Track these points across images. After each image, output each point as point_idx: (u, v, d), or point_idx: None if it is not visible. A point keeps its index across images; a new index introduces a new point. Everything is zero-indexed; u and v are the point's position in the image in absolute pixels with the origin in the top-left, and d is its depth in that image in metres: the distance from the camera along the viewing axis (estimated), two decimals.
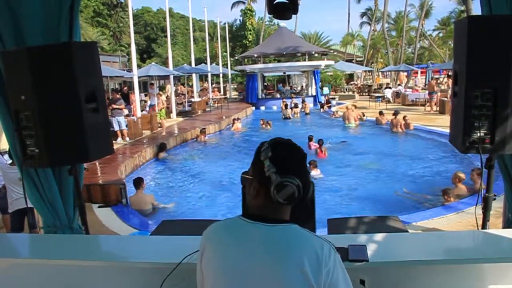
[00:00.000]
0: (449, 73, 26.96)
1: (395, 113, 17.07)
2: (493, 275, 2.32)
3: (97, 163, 10.16)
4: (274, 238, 1.52)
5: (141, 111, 17.94)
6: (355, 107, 21.37)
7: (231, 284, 1.53)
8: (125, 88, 22.14)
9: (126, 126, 14.80)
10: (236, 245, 1.56)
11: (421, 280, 2.33)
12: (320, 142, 12.91)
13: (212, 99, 29.26)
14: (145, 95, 25.71)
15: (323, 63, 30.53)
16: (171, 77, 22.86)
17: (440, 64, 41.66)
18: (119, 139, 14.28)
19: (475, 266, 2.30)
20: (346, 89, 38.93)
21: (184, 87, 28.56)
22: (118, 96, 15.48)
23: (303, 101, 25.93)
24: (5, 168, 5.65)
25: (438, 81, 25.16)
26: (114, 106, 14.34)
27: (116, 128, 14.36)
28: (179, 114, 22.44)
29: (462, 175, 8.16)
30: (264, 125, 19.07)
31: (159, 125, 17.63)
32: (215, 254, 1.59)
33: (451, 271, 2.31)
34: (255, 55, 32.18)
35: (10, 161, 5.45)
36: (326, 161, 12.29)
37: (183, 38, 58.54)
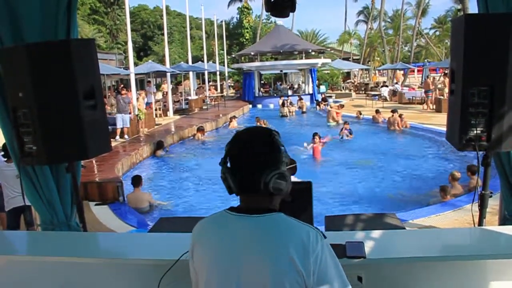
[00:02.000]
0: (445, 72, 27.03)
1: (393, 111, 17.11)
2: (489, 271, 2.34)
3: (94, 161, 10.14)
4: (259, 229, 1.51)
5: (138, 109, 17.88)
6: (342, 106, 21.62)
7: (224, 278, 1.52)
8: (121, 86, 22.03)
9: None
10: (224, 240, 1.55)
11: (418, 277, 2.35)
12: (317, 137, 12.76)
13: (209, 97, 29.25)
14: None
15: (320, 61, 30.54)
16: (168, 75, 22.82)
17: (437, 62, 41.75)
18: (117, 137, 14.22)
19: (471, 263, 2.32)
20: (343, 87, 38.95)
21: (180, 85, 28.51)
22: (124, 93, 15.36)
23: (300, 99, 25.94)
24: (2, 166, 5.63)
25: (435, 80, 25.15)
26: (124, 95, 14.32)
27: (119, 125, 14.29)
28: (175, 112, 22.42)
29: (458, 174, 8.19)
30: (259, 123, 19.01)
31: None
32: (205, 251, 1.59)
33: (448, 268, 2.33)
34: (252, 53, 32.14)
35: (6, 158, 5.45)
36: (323, 160, 12.32)
37: (180, 36, 58.40)
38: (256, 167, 1.53)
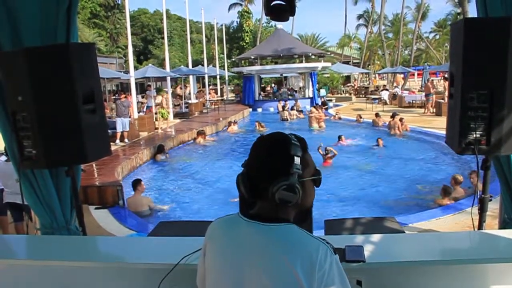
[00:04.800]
0: (445, 76, 27.07)
1: (393, 115, 17.12)
2: (489, 275, 2.33)
3: (94, 165, 10.14)
4: (267, 239, 1.47)
5: (138, 112, 17.92)
6: (324, 106, 21.95)
7: (228, 282, 1.51)
8: (120, 92, 21.92)
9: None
10: (231, 244, 1.54)
11: (418, 281, 2.34)
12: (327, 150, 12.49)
13: (209, 100, 29.28)
14: (142, 97, 25.73)
15: (320, 65, 30.58)
16: (168, 78, 22.86)
17: (437, 66, 41.81)
18: (117, 141, 14.22)
19: (472, 267, 2.31)
20: (343, 91, 39.01)
21: (181, 88, 28.54)
22: (123, 97, 15.37)
23: (295, 101, 25.99)
24: (1, 165, 5.80)
25: (434, 83, 25.24)
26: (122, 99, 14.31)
27: (119, 129, 14.29)
28: (176, 115, 22.44)
29: (460, 178, 8.18)
30: (259, 127, 19.16)
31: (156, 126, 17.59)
32: (214, 252, 1.58)
33: (447, 272, 2.32)
34: (252, 57, 32.22)
35: (6, 158, 5.55)
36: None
37: (180, 39, 58.52)
38: (266, 176, 1.49)
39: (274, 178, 1.46)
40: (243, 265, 1.48)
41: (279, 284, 1.40)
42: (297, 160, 1.48)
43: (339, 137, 14.75)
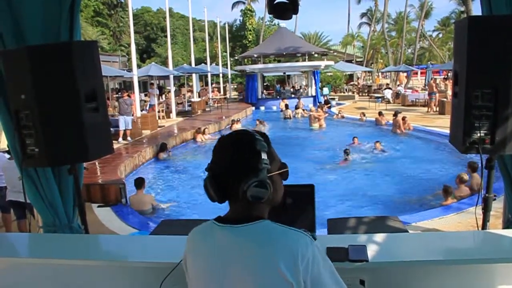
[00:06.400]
0: (445, 76, 27.04)
1: (396, 114, 17.09)
2: (494, 275, 2.32)
3: (96, 163, 10.16)
4: (243, 240, 1.43)
5: (141, 111, 17.93)
6: (327, 104, 22.12)
7: None
8: (124, 91, 21.91)
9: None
10: (209, 253, 1.49)
11: (421, 280, 2.33)
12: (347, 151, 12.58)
13: (212, 99, 29.27)
14: (145, 95, 25.75)
15: (323, 63, 30.57)
16: (171, 77, 22.87)
17: (440, 64, 41.69)
18: (120, 139, 14.24)
19: (475, 267, 2.30)
20: (346, 90, 38.94)
21: (183, 87, 28.55)
22: (126, 96, 15.37)
23: (298, 99, 25.96)
24: (4, 163, 5.88)
25: (437, 82, 25.23)
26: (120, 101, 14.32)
27: (122, 127, 14.30)
28: (178, 114, 22.45)
29: (465, 176, 8.15)
30: (259, 125, 19.17)
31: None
32: (194, 264, 1.55)
33: (451, 272, 2.31)
34: (255, 55, 32.23)
35: (9, 155, 5.61)
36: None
37: (183, 38, 58.51)
38: (234, 175, 1.45)
39: (244, 176, 1.43)
40: (225, 272, 1.43)
41: (265, 283, 1.36)
42: (264, 155, 1.45)
43: (353, 139, 14.59)
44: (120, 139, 14.26)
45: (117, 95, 16.53)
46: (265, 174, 1.44)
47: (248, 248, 1.41)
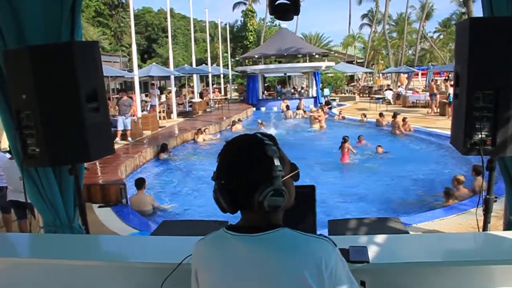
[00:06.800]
0: (448, 76, 27.04)
1: (395, 115, 17.09)
2: (494, 276, 2.32)
3: (97, 163, 10.16)
4: (264, 250, 1.36)
5: (142, 111, 17.93)
6: (327, 105, 22.22)
7: None
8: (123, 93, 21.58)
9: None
10: (225, 264, 1.41)
11: (422, 282, 2.33)
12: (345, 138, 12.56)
13: (213, 99, 29.28)
14: (146, 95, 25.75)
15: (323, 64, 30.57)
16: (172, 77, 22.88)
17: (441, 66, 41.69)
18: (117, 139, 14.23)
19: (476, 268, 2.30)
20: (347, 91, 38.95)
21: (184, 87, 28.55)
22: (125, 97, 15.35)
23: (300, 100, 25.99)
24: (5, 163, 5.87)
25: (438, 83, 25.23)
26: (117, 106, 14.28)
27: (120, 127, 14.29)
28: (179, 114, 22.46)
29: (462, 178, 8.16)
30: (260, 126, 19.29)
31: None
32: (208, 278, 1.47)
33: (452, 273, 2.31)
34: (256, 56, 32.23)
35: (10, 155, 5.62)
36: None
37: (184, 38, 58.53)
38: (247, 185, 1.37)
39: (258, 185, 1.36)
40: (244, 283, 1.38)
41: None
42: (276, 161, 1.38)
43: (359, 137, 14.59)
44: (117, 139, 14.25)
45: (117, 97, 16.43)
46: (280, 181, 1.37)
47: (269, 257, 1.35)
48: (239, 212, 1.47)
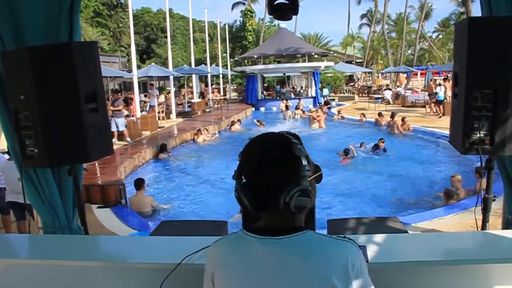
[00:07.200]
0: (447, 76, 27.04)
1: (392, 115, 17.09)
2: (493, 275, 2.32)
3: (96, 164, 10.15)
4: (289, 254, 1.32)
5: (141, 111, 17.93)
6: (326, 105, 22.40)
7: None
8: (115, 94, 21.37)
9: (126, 127, 14.75)
10: (246, 267, 1.36)
11: (421, 281, 2.33)
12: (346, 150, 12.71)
13: (212, 100, 29.27)
14: (145, 96, 25.73)
15: (322, 64, 30.58)
16: (171, 77, 22.87)
17: (440, 65, 41.73)
18: (114, 139, 14.21)
19: (475, 267, 2.30)
20: (346, 90, 38.95)
21: (183, 87, 28.53)
22: (119, 96, 15.38)
23: (299, 100, 25.99)
24: (3, 163, 5.88)
25: (437, 83, 25.20)
26: (112, 108, 14.25)
27: (113, 129, 14.28)
28: (178, 114, 22.46)
29: (459, 176, 8.17)
30: (259, 125, 19.30)
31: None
32: (226, 279, 1.40)
33: (451, 272, 2.31)
34: (255, 56, 32.24)
35: (8, 156, 5.62)
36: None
37: (183, 38, 58.52)
38: (274, 184, 1.33)
39: (284, 185, 1.32)
40: (268, 287, 1.33)
41: None
42: (304, 161, 1.34)
43: (361, 144, 14.54)
44: (115, 139, 14.24)
45: (113, 99, 16.39)
46: (307, 181, 1.34)
47: (295, 261, 1.32)
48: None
